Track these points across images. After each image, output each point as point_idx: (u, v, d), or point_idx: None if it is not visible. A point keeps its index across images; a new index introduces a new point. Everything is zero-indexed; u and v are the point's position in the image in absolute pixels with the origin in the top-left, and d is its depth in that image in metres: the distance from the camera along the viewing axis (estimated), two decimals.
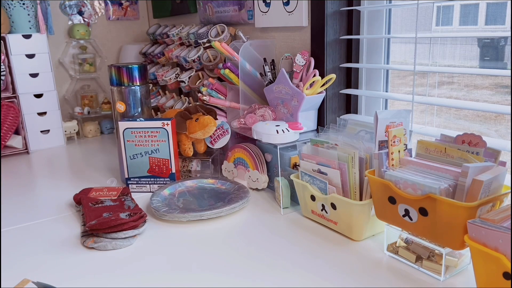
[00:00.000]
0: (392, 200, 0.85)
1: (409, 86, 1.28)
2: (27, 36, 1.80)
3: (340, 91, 1.34)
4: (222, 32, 1.60)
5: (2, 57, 1.75)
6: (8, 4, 1.80)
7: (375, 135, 0.91)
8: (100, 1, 2.15)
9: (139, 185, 1.33)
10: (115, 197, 1.20)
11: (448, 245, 0.78)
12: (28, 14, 1.83)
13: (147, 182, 1.32)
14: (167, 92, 1.95)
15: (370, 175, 0.89)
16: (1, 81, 1.76)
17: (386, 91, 1.32)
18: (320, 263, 0.88)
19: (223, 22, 1.65)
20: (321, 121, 1.33)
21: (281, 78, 1.26)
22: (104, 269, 0.89)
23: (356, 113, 1.37)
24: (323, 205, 1.01)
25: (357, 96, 1.36)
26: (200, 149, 1.42)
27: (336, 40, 1.30)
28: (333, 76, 1.23)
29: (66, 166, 1.65)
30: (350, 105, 1.37)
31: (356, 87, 1.35)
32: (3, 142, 1.78)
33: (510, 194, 0.79)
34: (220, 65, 1.46)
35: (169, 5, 2.02)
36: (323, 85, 1.25)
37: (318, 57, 1.30)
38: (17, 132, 1.85)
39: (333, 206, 0.98)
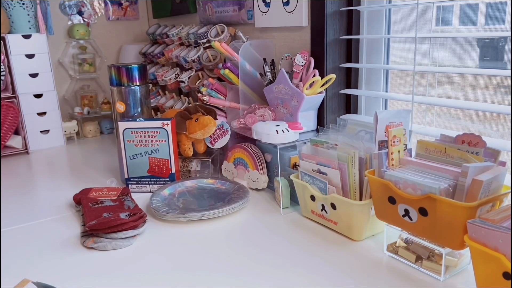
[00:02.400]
0: (392, 200, 0.85)
1: (409, 86, 1.28)
2: (27, 36, 1.80)
3: (340, 91, 1.34)
4: (222, 32, 1.60)
5: (2, 57, 1.75)
6: (8, 4, 1.79)
7: (375, 135, 0.91)
8: (100, 1, 2.15)
9: (139, 185, 1.33)
10: (115, 197, 1.20)
11: (448, 245, 0.78)
12: (28, 14, 1.83)
13: (147, 182, 1.32)
14: (167, 92, 1.95)
15: (370, 175, 0.89)
16: (1, 81, 1.76)
17: (386, 91, 1.32)
18: (320, 263, 0.88)
19: (223, 22, 1.65)
20: (321, 121, 1.33)
21: (281, 78, 1.26)
22: (104, 269, 0.89)
23: (356, 113, 1.37)
24: (323, 205, 1.01)
25: (357, 96, 1.36)
26: (200, 149, 1.42)
27: (336, 40, 1.30)
28: (333, 76, 1.23)
29: (66, 166, 1.65)
30: (350, 105, 1.37)
31: (356, 87, 1.35)
32: (3, 142, 1.78)
33: (510, 194, 0.79)
34: (220, 65, 1.46)
35: (169, 5, 2.02)
36: (323, 85, 1.25)
37: (318, 57, 1.30)
38: (17, 132, 1.85)
39: (333, 206, 0.98)
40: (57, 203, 1.27)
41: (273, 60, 1.35)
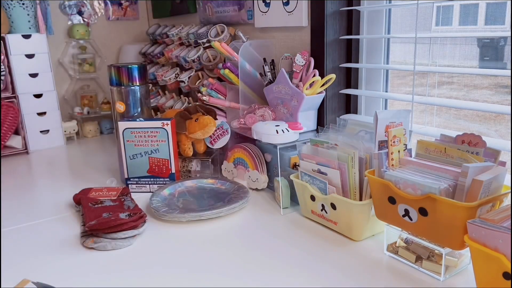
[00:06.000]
0: (392, 200, 0.85)
1: (409, 86, 1.28)
2: (27, 36, 1.80)
3: (340, 91, 1.34)
4: (222, 32, 1.60)
5: (2, 57, 1.75)
6: (7, 4, 1.79)
7: (375, 135, 0.91)
8: (100, 1, 2.15)
9: (139, 185, 1.33)
10: (115, 197, 1.20)
11: (448, 245, 0.78)
12: (28, 14, 1.83)
13: (146, 182, 1.32)
14: (166, 92, 1.95)
15: (370, 175, 0.89)
16: (1, 81, 1.76)
17: (386, 91, 1.32)
18: (320, 263, 0.88)
19: (223, 22, 1.65)
20: (321, 121, 1.33)
21: (281, 78, 1.26)
22: (104, 269, 0.89)
23: (356, 113, 1.37)
24: (323, 205, 1.01)
25: (357, 96, 1.36)
26: (200, 149, 1.42)
27: (336, 40, 1.30)
28: (333, 76, 1.23)
29: (65, 166, 1.65)
30: (350, 105, 1.37)
31: (356, 87, 1.35)
32: (2, 142, 1.78)
33: (510, 194, 0.79)
34: (220, 65, 1.46)
35: (168, 5, 2.02)
36: (323, 85, 1.25)
37: (318, 57, 1.29)
38: (16, 132, 1.85)
39: (333, 206, 0.98)
40: (57, 203, 1.27)
41: (273, 60, 1.35)
